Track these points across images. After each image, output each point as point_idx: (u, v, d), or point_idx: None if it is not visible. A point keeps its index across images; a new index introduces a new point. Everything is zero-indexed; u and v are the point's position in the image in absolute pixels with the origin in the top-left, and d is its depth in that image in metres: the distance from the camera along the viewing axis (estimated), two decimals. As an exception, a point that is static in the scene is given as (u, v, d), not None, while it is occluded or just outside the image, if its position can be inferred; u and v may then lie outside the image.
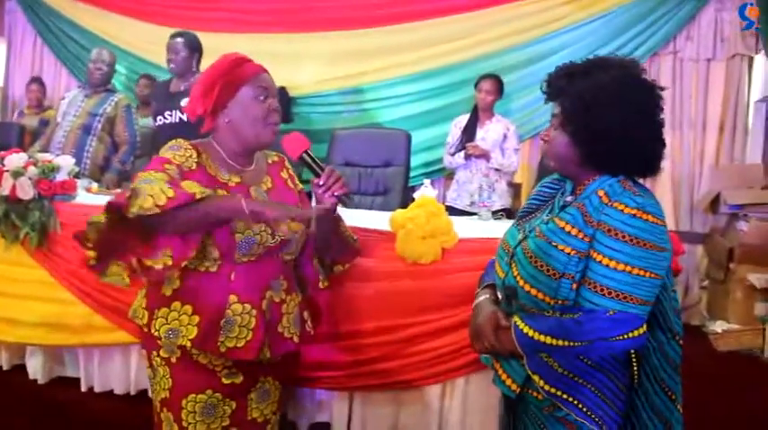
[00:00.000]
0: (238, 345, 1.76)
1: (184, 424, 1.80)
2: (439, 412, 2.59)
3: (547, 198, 1.71)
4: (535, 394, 1.54)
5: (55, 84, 6.62)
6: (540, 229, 1.55)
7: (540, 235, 1.54)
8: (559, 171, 1.63)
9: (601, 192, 1.49)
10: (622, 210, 1.43)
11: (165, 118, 3.87)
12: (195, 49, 3.93)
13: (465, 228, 2.68)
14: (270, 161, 2.00)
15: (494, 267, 1.72)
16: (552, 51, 5.19)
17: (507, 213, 4.16)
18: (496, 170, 4.40)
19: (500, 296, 1.62)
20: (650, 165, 1.52)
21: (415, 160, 4.70)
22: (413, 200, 3.13)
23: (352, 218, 2.89)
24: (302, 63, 5.66)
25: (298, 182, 2.05)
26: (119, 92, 4.65)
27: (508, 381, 1.59)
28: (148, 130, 4.83)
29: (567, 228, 1.49)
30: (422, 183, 3.38)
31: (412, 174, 4.58)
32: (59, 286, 3.00)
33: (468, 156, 4.39)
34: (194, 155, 1.80)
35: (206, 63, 4.18)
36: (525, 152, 5.34)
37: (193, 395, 1.80)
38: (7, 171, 3.16)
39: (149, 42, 5.98)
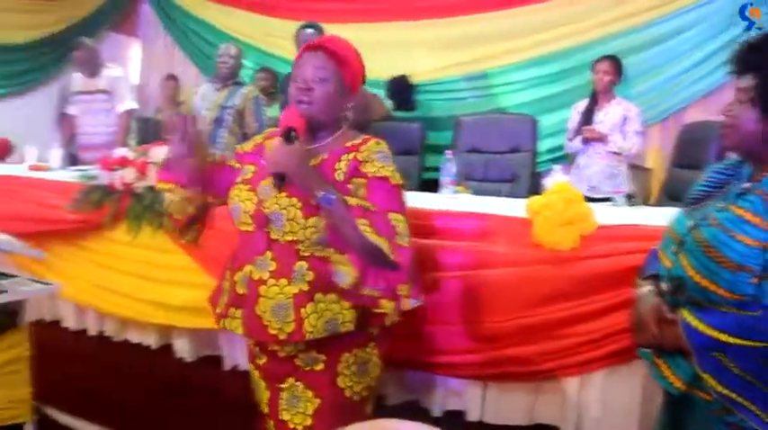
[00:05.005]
0: (218, 311, 1.82)
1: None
2: (577, 405, 2.52)
3: (719, 184, 1.58)
4: (703, 394, 1.43)
5: (186, 80, 6.94)
6: (716, 217, 1.43)
7: (715, 223, 1.42)
8: (741, 151, 1.50)
9: None
10: None
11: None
12: (323, 39, 4.01)
13: (602, 214, 2.60)
14: (348, 144, 1.74)
15: (656, 256, 1.63)
16: (675, 32, 4.90)
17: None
18: (616, 154, 4.21)
19: (665, 287, 1.52)
20: None
21: (541, 146, 4.58)
22: (541, 186, 3.07)
23: (482, 204, 2.88)
24: (423, 50, 5.65)
25: (366, 171, 1.69)
26: (247, 84, 4.81)
27: (672, 378, 1.48)
28: (273, 121, 4.97)
29: (747, 216, 1.37)
30: (551, 169, 3.30)
31: (538, 159, 4.47)
32: (201, 271, 3.15)
33: (585, 140, 4.24)
34: None
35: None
36: (656, 136, 5.08)
37: (250, 364, 1.90)
38: (152, 163, 3.35)
39: (274, 36, 6.17)
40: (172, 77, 6.64)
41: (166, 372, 3.34)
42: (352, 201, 1.63)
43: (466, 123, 4.38)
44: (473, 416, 2.70)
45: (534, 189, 3.67)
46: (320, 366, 1.74)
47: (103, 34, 7.08)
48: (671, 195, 3.66)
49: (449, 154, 3.32)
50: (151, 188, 3.31)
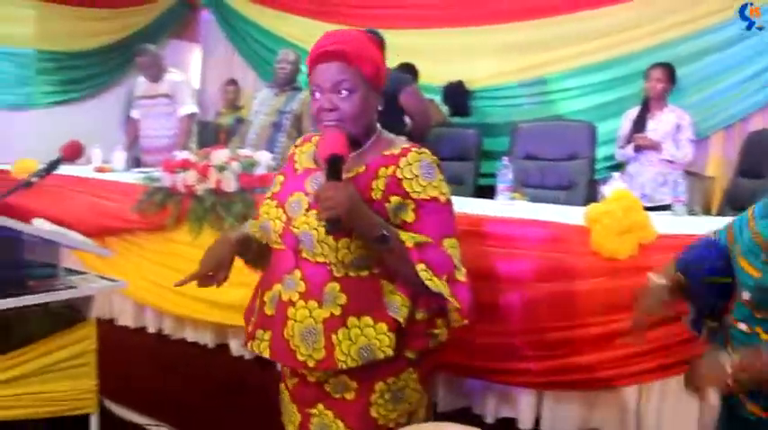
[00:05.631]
0: (249, 330, 1.69)
1: None
2: (636, 415, 2.48)
3: None
4: None
5: (245, 85, 7.07)
6: None
7: None
8: None
9: None
10: None
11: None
12: (382, 46, 4.03)
13: (662, 223, 2.55)
14: (385, 152, 1.59)
15: (696, 255, 1.57)
16: (734, 40, 4.74)
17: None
18: (669, 162, 4.14)
19: (746, 297, 1.43)
20: None
21: (599, 153, 4.52)
22: (599, 194, 3.03)
23: (539, 212, 2.86)
24: (481, 56, 5.61)
25: (411, 191, 1.55)
26: (305, 89, 4.87)
27: (751, 407, 1.42)
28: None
29: None
30: (609, 177, 3.26)
31: (596, 167, 4.41)
32: (255, 273, 3.20)
33: (637, 148, 4.18)
34: None
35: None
36: (719, 145, 4.94)
37: (281, 384, 1.78)
38: (213, 166, 3.44)
39: None
40: (232, 82, 6.79)
41: (222, 371, 3.41)
42: (405, 236, 1.49)
43: (523, 130, 4.36)
44: (526, 424, 2.68)
45: (592, 197, 3.62)
46: (351, 395, 1.60)
47: (166, 41, 7.28)
48: (733, 205, 3.57)
49: (505, 160, 3.31)
50: (212, 191, 3.40)
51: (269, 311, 1.61)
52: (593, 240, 2.45)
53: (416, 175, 1.55)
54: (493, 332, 2.58)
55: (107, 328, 3.86)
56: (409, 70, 4.75)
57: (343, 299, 1.53)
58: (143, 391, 3.05)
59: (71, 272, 2.39)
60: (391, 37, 4.50)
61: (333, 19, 6.34)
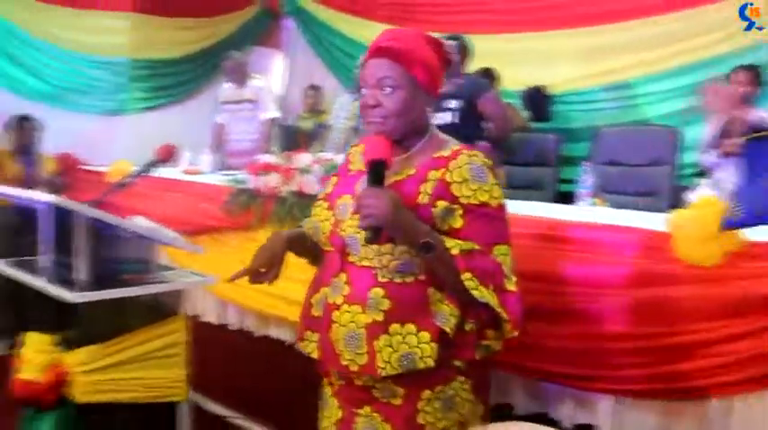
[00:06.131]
0: (299, 331, 1.71)
1: None
2: (717, 428, 2.41)
3: None
4: None
5: (326, 90, 7.21)
6: None
7: None
8: None
9: None
10: None
11: (434, 119, 4.02)
12: (466, 52, 4.07)
13: (752, 231, 2.47)
14: (435, 155, 1.57)
15: None
16: None
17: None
18: (755, 168, 3.98)
19: None
20: None
21: (685, 159, 4.39)
22: (683, 200, 2.96)
23: (620, 217, 2.82)
24: (562, 60, 5.55)
25: (460, 196, 1.52)
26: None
27: None
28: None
29: None
30: (694, 183, 3.18)
31: (680, 173, 4.29)
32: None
33: (725, 154, 4.04)
34: None
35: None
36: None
37: (324, 379, 1.77)
38: (296, 169, 3.54)
39: None
40: (313, 88, 6.94)
41: (304, 368, 3.48)
42: (451, 244, 1.46)
43: (605, 135, 4.30)
44: (604, 430, 2.64)
45: (676, 203, 3.54)
46: (398, 400, 1.57)
47: (250, 48, 7.51)
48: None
49: (586, 165, 3.28)
50: (294, 193, 3.50)
51: (316, 313, 1.61)
52: (677, 247, 2.40)
53: (466, 179, 1.51)
54: (571, 336, 2.56)
55: (192, 324, 4.04)
56: (488, 75, 4.76)
57: (386, 304, 1.50)
58: (226, 385, 3.17)
59: (163, 267, 2.53)
60: (471, 41, 4.54)
61: (412, 24, 6.39)
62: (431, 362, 1.49)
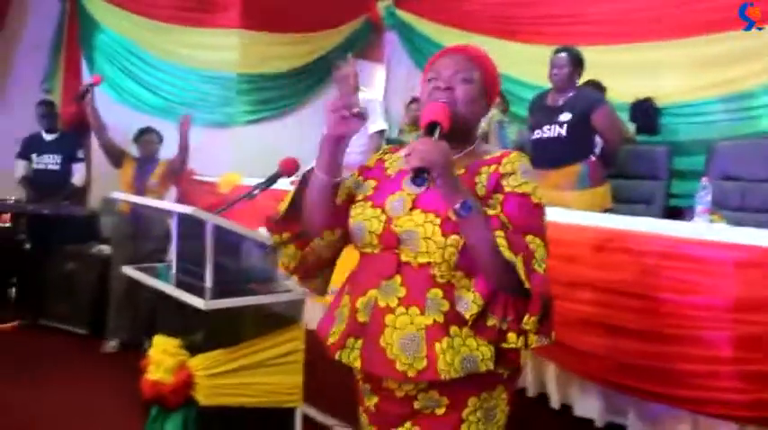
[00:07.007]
0: (332, 340, 1.61)
1: None
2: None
3: None
4: None
5: (428, 104, 7.26)
6: None
7: None
8: None
9: None
10: None
11: (542, 132, 4.01)
12: (578, 63, 4.02)
13: None
14: (486, 157, 1.59)
15: None
16: None
17: None
18: None
19: None
20: None
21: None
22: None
23: (733, 236, 2.68)
24: (671, 71, 5.35)
25: (504, 184, 1.53)
26: (492, 109, 4.93)
27: None
28: (514, 144, 5.05)
29: None
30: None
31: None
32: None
33: None
34: None
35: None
36: None
37: (360, 407, 1.73)
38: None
39: (517, 62, 6.09)
40: (415, 100, 7.00)
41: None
42: (492, 212, 1.45)
43: (721, 148, 4.13)
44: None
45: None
46: (442, 410, 1.53)
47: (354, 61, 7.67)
48: None
49: (704, 180, 3.16)
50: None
51: (362, 318, 1.55)
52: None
53: (515, 171, 1.52)
54: (689, 358, 2.47)
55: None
56: (597, 87, 4.67)
57: (446, 306, 1.47)
58: (333, 394, 3.23)
59: (283, 276, 2.62)
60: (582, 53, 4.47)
61: (515, 38, 6.37)
62: (491, 365, 1.47)
